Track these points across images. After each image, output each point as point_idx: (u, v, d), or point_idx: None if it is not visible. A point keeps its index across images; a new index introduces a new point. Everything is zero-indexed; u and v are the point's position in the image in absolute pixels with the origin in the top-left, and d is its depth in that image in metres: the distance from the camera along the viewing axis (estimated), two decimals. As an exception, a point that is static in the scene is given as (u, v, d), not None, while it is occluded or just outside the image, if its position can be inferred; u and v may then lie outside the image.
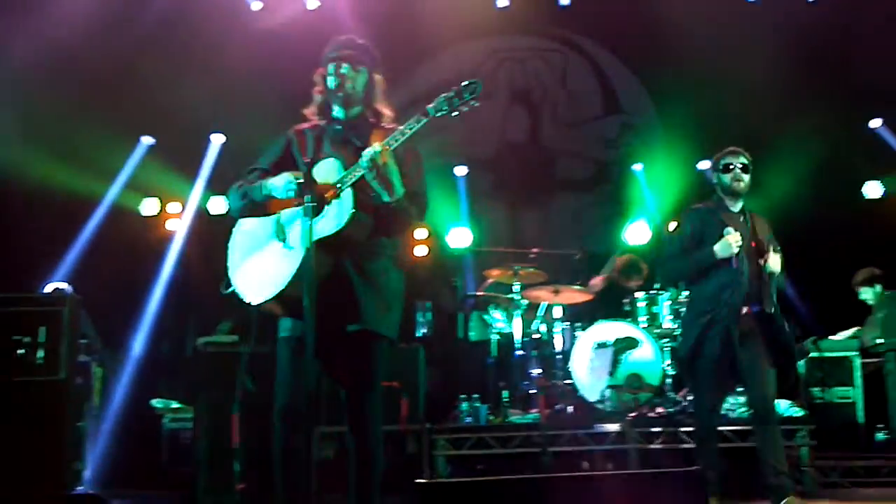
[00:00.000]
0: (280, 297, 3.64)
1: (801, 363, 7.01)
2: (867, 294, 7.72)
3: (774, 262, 4.99)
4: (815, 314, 8.47)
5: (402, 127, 3.62)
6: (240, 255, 3.86)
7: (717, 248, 4.93)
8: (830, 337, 7.58)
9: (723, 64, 9.11)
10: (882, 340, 6.75)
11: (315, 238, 3.45)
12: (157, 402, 7.69)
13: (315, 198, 3.49)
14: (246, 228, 3.92)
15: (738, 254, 4.91)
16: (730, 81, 9.12)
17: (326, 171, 3.71)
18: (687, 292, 5.68)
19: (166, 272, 9.25)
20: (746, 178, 5.11)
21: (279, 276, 3.64)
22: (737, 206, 5.19)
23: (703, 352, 4.94)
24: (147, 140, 9.36)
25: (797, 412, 6.53)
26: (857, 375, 6.87)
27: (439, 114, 3.55)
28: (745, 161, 5.14)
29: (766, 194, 8.99)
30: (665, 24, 9.08)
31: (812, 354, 7.05)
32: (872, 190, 9.63)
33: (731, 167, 5.11)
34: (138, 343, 8.75)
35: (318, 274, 3.42)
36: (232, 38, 8.81)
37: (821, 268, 8.69)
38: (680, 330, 6.99)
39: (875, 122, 9.62)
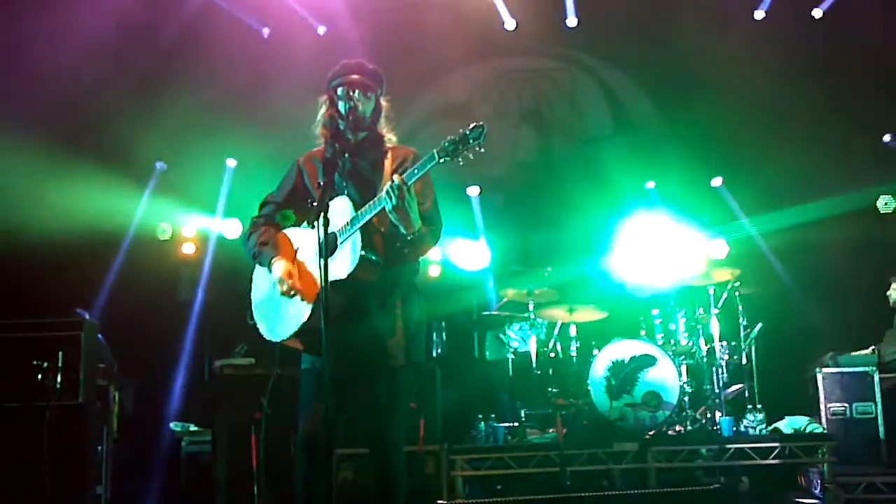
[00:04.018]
0: (297, 336, 3.69)
1: (820, 379, 6.97)
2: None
3: None
4: (832, 330, 8.39)
5: (411, 168, 3.64)
6: (260, 291, 3.91)
7: None
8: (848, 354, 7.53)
9: (732, 80, 9.13)
10: (901, 355, 6.69)
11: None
12: (175, 425, 7.69)
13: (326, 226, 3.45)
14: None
15: None
16: (740, 98, 9.12)
17: (338, 211, 3.71)
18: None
19: (184, 296, 9.27)
20: None
21: (295, 315, 3.68)
22: None
23: None
24: (161, 165, 9.41)
25: (817, 429, 6.49)
26: (877, 390, 6.81)
27: (444, 159, 3.54)
28: None
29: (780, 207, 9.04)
30: (673, 42, 9.12)
31: (830, 370, 7.00)
32: (886, 204, 9.58)
33: None
34: (156, 366, 8.75)
35: (335, 312, 3.43)
36: (242, 63, 8.89)
37: (837, 284, 8.67)
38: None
39: (887, 137, 9.62)
